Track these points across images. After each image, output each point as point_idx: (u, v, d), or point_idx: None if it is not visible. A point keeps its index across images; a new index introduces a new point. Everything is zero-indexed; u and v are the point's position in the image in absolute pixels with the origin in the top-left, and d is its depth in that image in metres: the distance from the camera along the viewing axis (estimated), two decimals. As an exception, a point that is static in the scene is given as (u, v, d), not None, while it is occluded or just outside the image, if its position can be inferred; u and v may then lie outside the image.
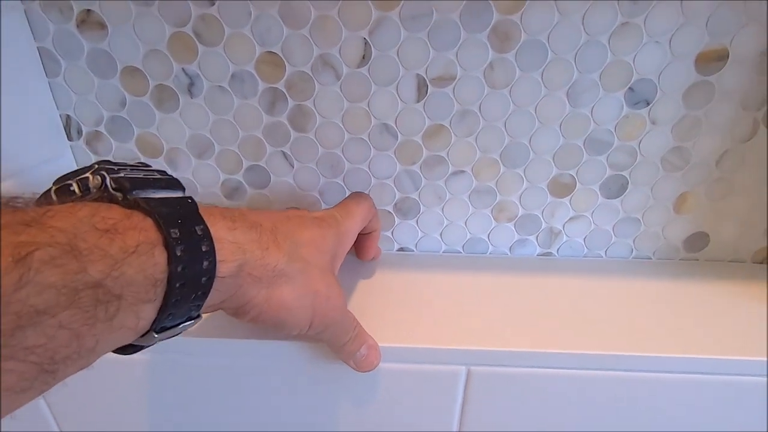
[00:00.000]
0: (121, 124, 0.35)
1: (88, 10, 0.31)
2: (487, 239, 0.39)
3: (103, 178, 0.18)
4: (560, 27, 0.30)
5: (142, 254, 0.16)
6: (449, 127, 0.34)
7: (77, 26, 0.32)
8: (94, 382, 0.33)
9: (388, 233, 0.39)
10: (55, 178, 0.19)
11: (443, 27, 0.31)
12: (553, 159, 0.35)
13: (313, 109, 0.34)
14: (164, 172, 0.20)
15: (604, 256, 0.40)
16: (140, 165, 0.20)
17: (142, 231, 0.17)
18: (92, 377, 0.32)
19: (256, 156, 0.36)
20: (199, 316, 0.20)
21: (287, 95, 0.33)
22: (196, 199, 0.20)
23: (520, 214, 0.38)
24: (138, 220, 0.17)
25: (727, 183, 0.36)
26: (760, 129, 0.33)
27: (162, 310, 0.17)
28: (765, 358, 0.29)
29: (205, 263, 0.18)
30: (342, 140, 0.35)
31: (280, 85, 0.33)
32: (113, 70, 0.33)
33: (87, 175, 0.18)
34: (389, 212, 0.38)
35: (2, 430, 0.34)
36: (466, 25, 0.30)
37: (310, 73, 0.33)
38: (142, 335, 0.18)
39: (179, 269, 0.17)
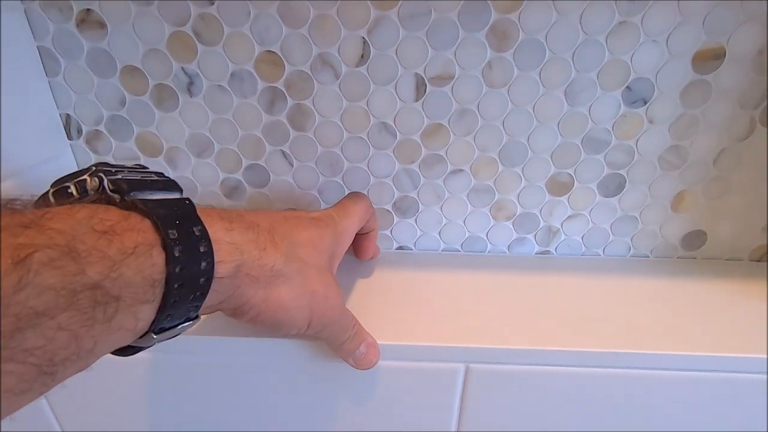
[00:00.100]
0: (121, 123, 0.35)
1: (88, 10, 0.31)
2: (485, 238, 0.39)
3: (101, 180, 0.18)
4: (558, 26, 0.30)
5: (140, 255, 0.16)
6: (448, 126, 0.34)
7: (77, 25, 0.32)
8: (95, 382, 0.33)
9: (387, 232, 0.40)
10: (54, 180, 0.19)
11: (442, 26, 0.31)
12: (551, 158, 0.35)
13: (312, 108, 0.34)
14: (162, 173, 0.20)
15: (602, 254, 0.40)
16: (138, 167, 0.20)
17: (140, 232, 0.17)
18: (93, 377, 0.32)
19: (255, 155, 0.36)
20: (197, 317, 0.20)
21: (286, 94, 0.33)
22: (195, 197, 0.20)
23: (518, 213, 0.38)
24: (136, 221, 0.17)
25: (725, 181, 0.36)
26: (757, 128, 0.34)
27: (160, 311, 0.17)
28: (763, 355, 0.29)
29: (203, 264, 0.18)
30: (341, 139, 0.35)
31: (280, 84, 0.33)
32: (113, 69, 0.33)
33: (84, 177, 0.18)
34: (388, 211, 0.38)
35: (3, 430, 0.34)
36: (465, 25, 0.31)
37: (309, 72, 0.33)
38: (141, 336, 0.18)
39: (177, 270, 0.17)
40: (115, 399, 0.34)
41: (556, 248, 0.40)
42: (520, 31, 0.31)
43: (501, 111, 0.34)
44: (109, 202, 0.18)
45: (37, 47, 0.33)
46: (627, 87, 0.32)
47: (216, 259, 0.19)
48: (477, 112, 0.34)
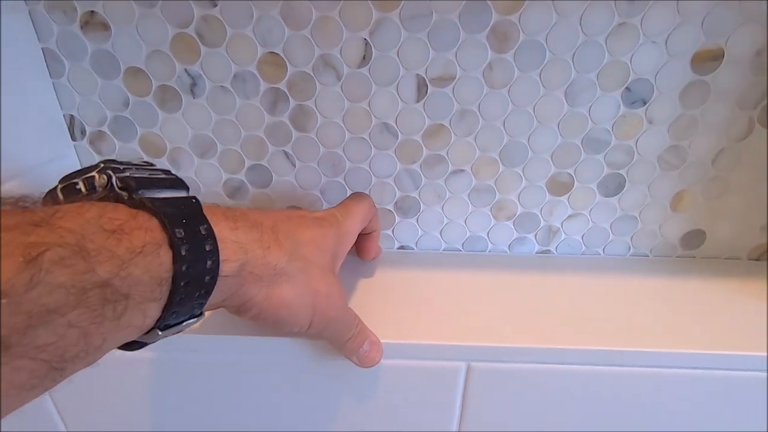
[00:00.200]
0: (125, 124, 0.36)
1: (92, 12, 0.32)
2: (486, 237, 0.40)
3: (109, 177, 0.18)
4: (558, 27, 0.31)
5: (148, 254, 0.16)
6: (449, 127, 0.35)
7: (81, 27, 0.32)
8: (100, 381, 0.33)
9: (389, 231, 0.40)
10: (61, 177, 0.20)
11: (443, 27, 0.31)
12: (552, 158, 0.36)
13: (315, 108, 0.34)
14: (169, 171, 0.21)
15: (602, 253, 0.40)
16: (145, 164, 0.21)
17: (148, 231, 0.17)
18: (99, 376, 0.32)
19: (258, 155, 0.36)
20: (201, 313, 0.20)
21: (289, 95, 0.34)
22: (199, 198, 0.20)
23: (519, 213, 0.38)
24: (144, 220, 0.17)
25: (723, 181, 0.36)
26: (755, 128, 0.34)
27: (167, 309, 0.18)
28: (762, 353, 0.29)
29: (209, 263, 0.18)
30: (343, 140, 0.35)
31: (282, 86, 0.33)
32: (116, 70, 0.33)
33: (93, 174, 0.19)
34: (390, 211, 0.39)
35: (6, 430, 0.35)
36: (466, 26, 0.31)
37: (312, 74, 0.33)
38: (147, 332, 0.18)
39: (184, 268, 0.17)
40: (120, 398, 0.34)
41: (556, 248, 0.40)
42: (521, 32, 0.31)
43: (502, 111, 0.34)
44: (117, 199, 0.18)
45: (42, 49, 0.33)
46: (626, 88, 0.33)
47: (221, 257, 0.19)
48: (478, 112, 0.34)
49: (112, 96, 0.35)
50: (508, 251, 0.40)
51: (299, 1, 0.30)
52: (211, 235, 0.19)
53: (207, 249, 0.18)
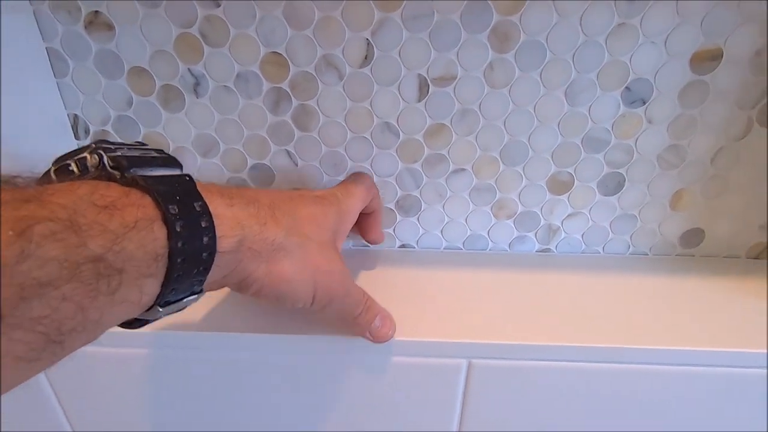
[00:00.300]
0: (128, 124, 0.36)
1: (96, 12, 0.32)
2: (487, 236, 0.40)
3: (101, 157, 0.18)
4: (559, 27, 0.31)
5: (141, 230, 0.16)
6: (450, 126, 0.35)
7: (85, 27, 0.32)
8: (103, 377, 0.33)
9: (390, 230, 0.40)
10: (54, 159, 0.20)
11: (444, 27, 0.31)
12: (552, 157, 0.36)
13: (317, 108, 0.34)
14: (162, 150, 0.21)
15: (601, 252, 0.40)
16: (138, 144, 0.20)
17: (141, 207, 0.17)
18: (103, 372, 0.33)
19: (260, 154, 0.37)
20: (202, 290, 0.20)
21: (291, 95, 0.34)
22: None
23: (519, 211, 0.38)
24: (136, 197, 0.17)
25: (722, 180, 0.36)
26: (754, 127, 0.34)
27: (165, 285, 0.18)
28: (761, 350, 0.29)
29: (206, 239, 0.18)
30: (345, 139, 0.36)
31: (285, 85, 0.34)
32: (120, 70, 0.34)
33: (85, 154, 0.19)
34: (391, 209, 0.39)
35: (11, 425, 0.35)
36: (467, 26, 0.31)
37: (314, 73, 0.33)
38: (147, 309, 0.18)
39: (180, 245, 0.17)
40: (123, 395, 0.34)
41: (556, 246, 0.40)
42: (522, 32, 0.31)
43: (502, 111, 0.34)
44: (110, 178, 0.18)
45: (46, 48, 0.33)
46: (626, 87, 0.33)
47: (218, 233, 0.19)
48: (479, 112, 0.34)
49: (115, 95, 0.35)
50: (508, 250, 0.41)
51: (302, 2, 0.31)
52: (206, 212, 0.19)
53: (203, 225, 0.19)
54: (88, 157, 0.18)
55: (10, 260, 0.13)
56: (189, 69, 0.33)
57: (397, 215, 0.39)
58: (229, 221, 0.20)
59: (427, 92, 0.33)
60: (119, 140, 0.37)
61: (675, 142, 0.35)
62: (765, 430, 0.32)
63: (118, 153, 0.19)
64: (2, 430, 0.37)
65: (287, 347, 0.31)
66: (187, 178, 0.20)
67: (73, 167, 0.18)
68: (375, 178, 0.37)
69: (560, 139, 0.35)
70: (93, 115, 0.36)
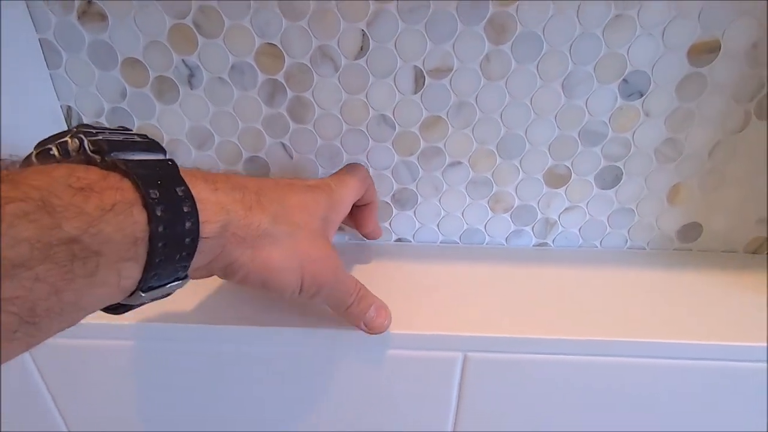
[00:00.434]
0: (122, 116, 0.36)
1: (89, 2, 0.31)
2: (483, 230, 0.40)
3: (81, 141, 0.18)
4: (555, 19, 0.31)
5: (119, 213, 0.16)
6: (446, 119, 0.35)
7: (78, 18, 0.32)
8: (93, 367, 0.33)
9: (386, 224, 0.40)
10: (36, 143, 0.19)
11: (440, 19, 0.31)
12: (549, 150, 0.36)
13: (312, 100, 0.34)
14: (145, 135, 0.20)
15: (599, 246, 0.40)
16: (120, 128, 0.20)
17: (119, 191, 0.17)
18: (91, 362, 0.33)
19: (255, 147, 0.36)
20: (186, 276, 0.20)
21: (286, 87, 0.34)
22: None
23: (516, 205, 0.38)
24: (115, 180, 0.17)
25: (720, 174, 0.36)
26: (752, 120, 0.34)
27: (147, 270, 0.18)
28: (760, 344, 0.29)
29: (188, 224, 0.18)
30: (340, 131, 0.35)
31: (280, 77, 0.33)
32: (114, 61, 0.33)
33: (66, 138, 0.18)
34: (387, 203, 0.39)
35: (9, 429, 0.34)
36: (463, 17, 0.31)
37: (309, 65, 0.33)
38: (130, 295, 0.18)
39: (160, 229, 0.17)
40: (111, 387, 0.34)
41: (553, 240, 0.40)
42: (518, 23, 0.31)
43: (499, 104, 0.34)
44: (90, 162, 0.18)
45: (39, 39, 0.33)
46: (623, 80, 0.33)
47: (201, 219, 0.19)
48: (475, 104, 0.34)
49: (109, 87, 0.34)
50: (505, 244, 0.41)
51: (297, -8, 0.31)
52: (188, 197, 0.19)
53: (185, 210, 0.18)
54: (69, 140, 0.18)
55: None
56: (183, 60, 0.33)
57: (393, 209, 0.39)
58: (212, 206, 0.20)
59: (423, 84, 0.33)
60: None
61: (672, 136, 0.35)
62: (764, 423, 0.32)
63: (100, 137, 0.18)
64: (2, 429, 0.36)
65: (279, 340, 0.31)
66: (170, 163, 0.19)
67: (54, 151, 0.18)
68: (371, 171, 0.37)
69: (557, 132, 0.35)
70: (86, 107, 0.35)
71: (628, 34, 0.31)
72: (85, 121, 0.36)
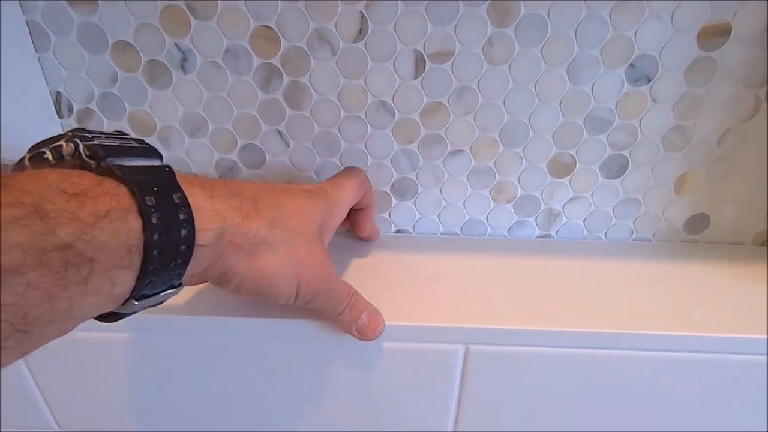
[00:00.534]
0: (113, 101, 0.35)
1: (78, -18, 0.30)
2: (485, 221, 0.39)
3: (76, 146, 0.18)
4: (560, 1, 0.30)
5: (114, 220, 0.16)
6: (447, 105, 0.34)
7: (67, -1, 0.31)
8: (83, 360, 0.32)
9: (385, 215, 0.39)
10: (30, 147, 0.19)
11: (441, 1, 0.30)
12: (553, 138, 0.35)
13: (309, 85, 0.33)
14: (142, 140, 0.20)
15: (603, 238, 0.39)
16: (116, 133, 0.20)
17: (115, 197, 0.16)
18: (82, 355, 0.32)
19: (250, 134, 0.35)
20: (181, 284, 0.20)
21: (282, 71, 0.33)
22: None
23: (519, 195, 0.37)
24: (110, 186, 0.17)
25: (729, 163, 0.35)
26: (762, 107, 0.33)
27: (141, 278, 0.17)
28: (765, 337, 0.28)
29: (184, 231, 0.18)
30: (338, 118, 0.34)
31: (275, 61, 0.32)
32: (104, 44, 0.32)
33: (61, 142, 0.18)
34: (386, 193, 0.38)
35: (8, 429, 0.33)
36: (465, -2, 0.30)
37: (306, 49, 0.32)
38: (123, 303, 0.18)
39: (155, 237, 0.17)
40: (103, 380, 0.33)
41: (557, 232, 0.39)
42: (522, 5, 0.30)
43: (502, 89, 0.33)
44: (85, 167, 0.17)
45: (26, 21, 0.32)
46: (631, 64, 0.32)
47: (197, 226, 0.19)
48: (477, 90, 0.33)
49: (99, 71, 0.33)
50: (507, 235, 0.39)
51: (293, -28, 0.29)
52: (185, 204, 0.18)
53: (181, 217, 0.18)
54: (64, 145, 0.18)
55: None
56: (176, 43, 0.32)
57: (393, 199, 0.38)
58: (209, 213, 0.20)
59: (424, 69, 0.32)
60: (104, 119, 0.35)
61: (680, 123, 0.34)
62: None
63: (95, 142, 0.18)
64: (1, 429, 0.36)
65: (275, 332, 0.30)
66: (167, 169, 0.19)
67: (48, 155, 0.18)
68: (369, 160, 0.36)
69: (562, 119, 0.34)
70: (76, 93, 0.34)
71: (636, 16, 0.30)
72: (75, 107, 0.35)
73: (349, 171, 0.32)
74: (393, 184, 0.37)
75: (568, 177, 0.36)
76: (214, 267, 0.21)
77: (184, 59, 0.33)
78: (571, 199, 0.37)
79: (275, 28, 0.31)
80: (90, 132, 0.19)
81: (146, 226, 0.17)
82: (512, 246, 0.38)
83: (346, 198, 0.30)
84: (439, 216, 0.39)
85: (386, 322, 0.29)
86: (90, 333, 0.30)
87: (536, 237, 0.39)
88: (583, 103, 0.33)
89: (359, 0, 0.30)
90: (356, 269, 0.35)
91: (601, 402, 0.31)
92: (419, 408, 0.32)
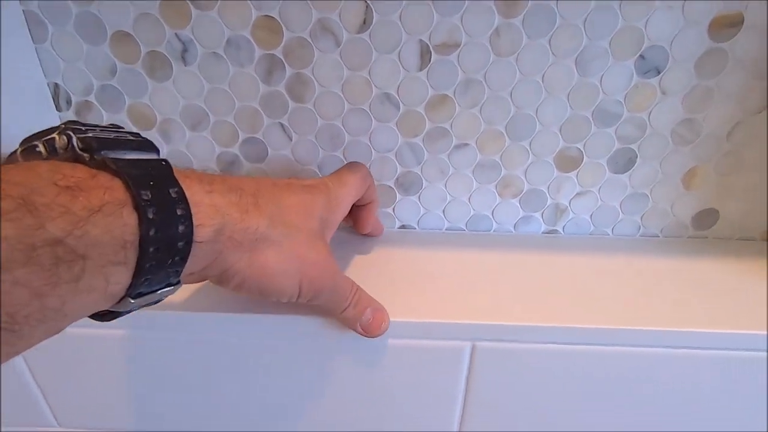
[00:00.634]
0: (112, 94, 0.34)
1: (76, -29, 0.30)
2: (491, 216, 0.38)
3: (69, 138, 0.17)
4: (570, -10, 0.29)
5: (108, 214, 0.15)
6: (453, 98, 0.33)
7: (65, -12, 0.30)
8: (82, 356, 0.32)
9: (390, 210, 0.38)
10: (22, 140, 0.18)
11: (448, -11, 0.29)
12: (560, 131, 0.34)
13: (312, 77, 0.33)
14: (138, 134, 0.19)
15: (610, 233, 0.39)
16: (112, 126, 0.19)
17: (108, 191, 0.16)
18: (80, 351, 0.31)
19: (252, 128, 0.35)
20: (179, 282, 0.19)
21: (285, 63, 0.32)
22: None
23: (525, 190, 0.37)
24: (104, 180, 0.16)
25: (739, 157, 0.35)
26: (773, 100, 0.32)
27: (136, 275, 0.17)
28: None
29: (181, 227, 0.17)
30: (342, 111, 0.34)
31: (278, 52, 0.32)
32: (103, 35, 0.32)
33: (53, 135, 0.17)
34: (390, 187, 0.37)
35: (8, 429, 0.33)
36: (472, -12, 0.29)
37: (309, 39, 0.31)
38: (119, 301, 0.17)
39: (152, 233, 0.16)
40: (101, 376, 0.33)
41: (563, 227, 0.38)
42: (530, -5, 0.29)
43: (509, 81, 0.32)
44: (78, 161, 0.17)
45: (23, 11, 0.31)
46: (640, 56, 0.31)
47: (195, 222, 0.18)
48: (484, 82, 0.32)
49: (98, 63, 0.33)
50: (513, 231, 0.39)
51: (296, -40, 0.29)
52: (182, 199, 0.18)
53: (178, 213, 0.17)
54: (57, 137, 0.17)
55: None
56: (176, 34, 0.31)
57: (397, 194, 0.37)
58: (207, 209, 0.19)
59: (429, 60, 0.32)
60: (103, 112, 0.35)
61: (690, 116, 0.33)
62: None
63: (89, 134, 0.17)
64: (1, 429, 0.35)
65: (276, 329, 0.29)
66: (164, 163, 0.18)
67: (41, 148, 0.17)
68: (373, 154, 0.35)
69: (569, 112, 0.33)
70: (75, 85, 0.34)
71: (646, 6, 0.29)
72: (74, 99, 0.34)
73: (351, 166, 0.31)
74: (397, 179, 0.37)
75: (575, 171, 0.36)
76: (214, 265, 0.20)
77: (184, 50, 0.32)
78: (578, 194, 0.37)
79: (278, 18, 0.31)
80: (84, 125, 0.18)
81: (142, 221, 0.16)
82: (518, 241, 0.38)
83: (347, 194, 0.29)
84: (444, 211, 0.38)
85: (391, 319, 0.28)
86: (89, 330, 0.30)
87: (542, 232, 0.39)
88: (591, 95, 0.32)
89: (364, -11, 0.29)
90: (360, 265, 0.34)
91: (610, 399, 0.31)
92: (425, 406, 0.32)
